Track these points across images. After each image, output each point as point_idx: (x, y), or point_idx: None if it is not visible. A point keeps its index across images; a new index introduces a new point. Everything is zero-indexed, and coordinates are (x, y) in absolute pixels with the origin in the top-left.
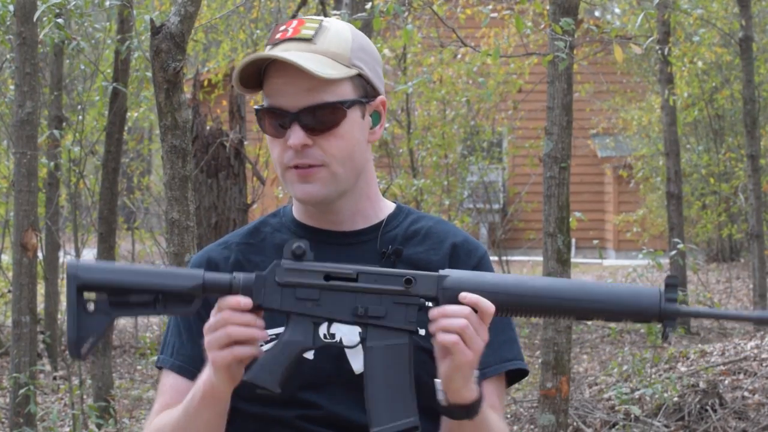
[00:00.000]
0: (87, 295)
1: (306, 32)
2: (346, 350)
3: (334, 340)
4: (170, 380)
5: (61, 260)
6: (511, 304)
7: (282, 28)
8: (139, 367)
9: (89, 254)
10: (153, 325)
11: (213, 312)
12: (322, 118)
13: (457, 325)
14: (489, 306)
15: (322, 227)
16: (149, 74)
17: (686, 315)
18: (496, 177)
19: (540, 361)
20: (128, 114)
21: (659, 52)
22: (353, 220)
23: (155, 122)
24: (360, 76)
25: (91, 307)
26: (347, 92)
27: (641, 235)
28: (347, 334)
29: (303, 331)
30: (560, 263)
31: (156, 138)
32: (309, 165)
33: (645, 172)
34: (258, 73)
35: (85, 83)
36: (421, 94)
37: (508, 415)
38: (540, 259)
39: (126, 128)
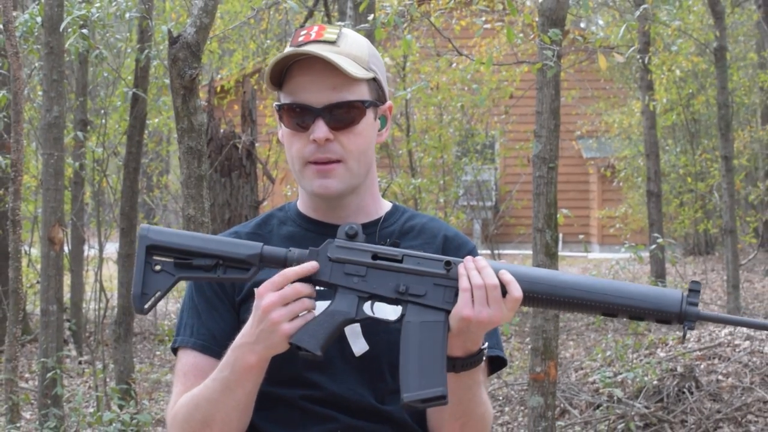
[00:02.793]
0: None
1: (329, 36)
2: (347, 334)
3: (375, 315)
4: (191, 359)
5: (85, 253)
6: (541, 294)
7: (303, 32)
8: (158, 353)
9: (112, 248)
10: (171, 314)
11: (273, 284)
12: (344, 115)
13: (476, 280)
14: (517, 290)
15: (326, 221)
16: (167, 81)
17: (705, 319)
18: (488, 176)
19: (530, 347)
20: (148, 119)
21: (640, 60)
22: (356, 216)
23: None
24: (374, 80)
25: (157, 267)
26: (365, 93)
27: (623, 231)
28: (387, 314)
29: (348, 304)
30: (548, 257)
31: (174, 140)
32: (328, 160)
33: (627, 171)
34: (280, 73)
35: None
36: (419, 100)
37: (500, 398)
38: (530, 252)
39: (146, 131)
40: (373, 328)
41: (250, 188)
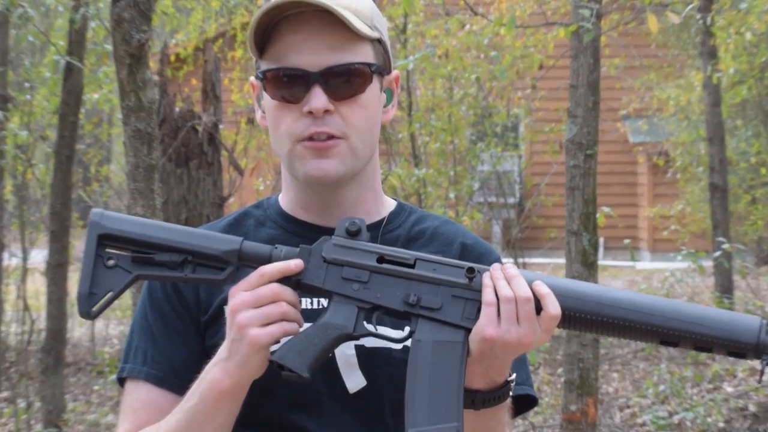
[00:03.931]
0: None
1: None
2: (340, 365)
3: (378, 332)
4: (143, 393)
5: (5, 263)
6: (585, 313)
7: None
8: (96, 387)
9: (38, 256)
10: (113, 338)
11: (247, 283)
12: (347, 81)
13: (504, 292)
14: (555, 306)
15: (316, 222)
16: (109, 47)
17: None
18: (511, 166)
19: (563, 379)
20: (85, 95)
21: (700, 21)
22: (353, 215)
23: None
24: (380, 42)
25: (110, 261)
26: (370, 56)
27: (680, 234)
28: (393, 331)
29: (345, 316)
30: (586, 266)
31: (117, 121)
32: (328, 136)
33: (684, 160)
34: (263, 34)
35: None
36: (424, 71)
37: None
38: (562, 261)
39: (82, 110)
40: (372, 358)
41: (213, 181)
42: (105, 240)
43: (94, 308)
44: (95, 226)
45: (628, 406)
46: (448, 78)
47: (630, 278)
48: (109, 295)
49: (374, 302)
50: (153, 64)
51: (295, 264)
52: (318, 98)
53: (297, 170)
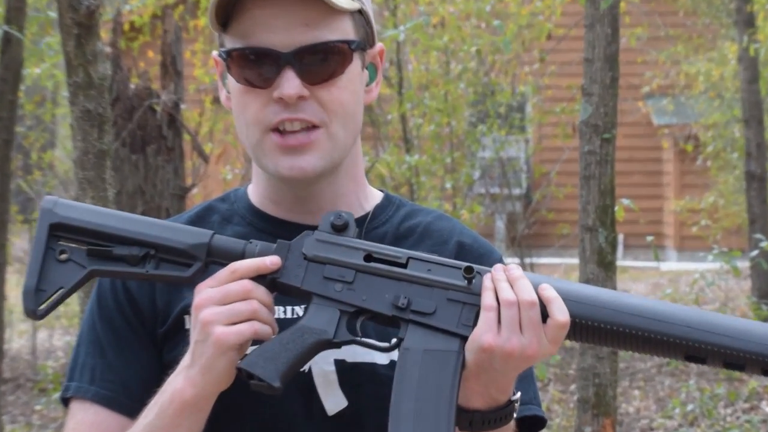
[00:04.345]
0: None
1: None
2: (318, 383)
3: (362, 338)
4: (89, 416)
5: None
6: (597, 322)
7: None
8: (38, 407)
9: None
10: (57, 351)
11: (215, 279)
12: (324, 62)
13: (506, 295)
14: (563, 312)
15: (290, 219)
16: (54, 15)
17: None
18: (516, 152)
19: (576, 398)
20: (25, 69)
21: None
22: (333, 210)
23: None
24: (360, 12)
25: (63, 255)
26: (349, 31)
27: (711, 230)
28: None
29: (325, 320)
30: (602, 267)
31: (63, 100)
32: (302, 125)
33: (716, 145)
34: (226, 7)
35: None
36: (417, 43)
37: None
38: (575, 261)
39: (22, 87)
40: (354, 375)
41: (174, 169)
42: (57, 230)
43: (42, 307)
44: (47, 215)
45: (651, 429)
46: (444, 51)
47: (654, 281)
48: (60, 292)
49: (359, 305)
50: (104, 34)
51: (271, 261)
52: (290, 83)
53: (267, 166)
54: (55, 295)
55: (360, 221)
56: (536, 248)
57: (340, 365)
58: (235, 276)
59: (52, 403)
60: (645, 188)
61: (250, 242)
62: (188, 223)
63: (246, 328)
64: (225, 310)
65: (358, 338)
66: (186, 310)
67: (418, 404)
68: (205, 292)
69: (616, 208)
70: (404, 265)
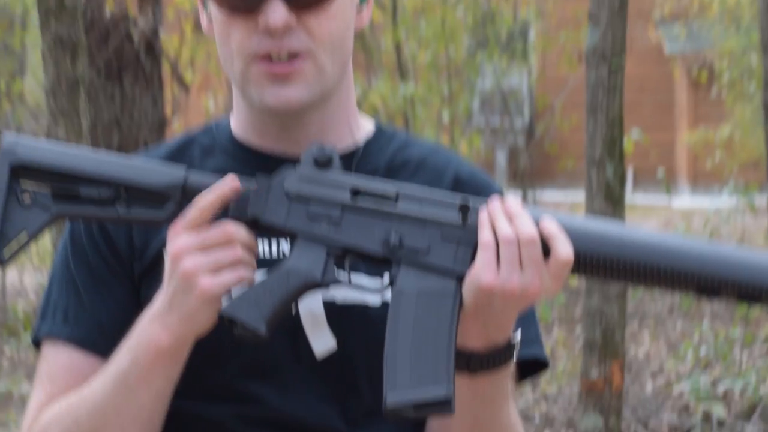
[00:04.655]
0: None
1: None
2: (305, 323)
3: (351, 282)
4: (63, 358)
5: None
6: (603, 257)
7: None
8: (7, 350)
9: None
10: (28, 291)
11: (187, 221)
12: None
13: (504, 232)
14: (566, 248)
15: (275, 151)
16: None
17: None
18: (519, 82)
19: (581, 340)
20: None
21: None
22: (321, 141)
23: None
24: None
25: (26, 197)
26: None
27: (726, 164)
28: (368, 280)
29: (311, 261)
30: (610, 202)
31: (33, 25)
32: (289, 54)
33: (732, 74)
34: None
35: None
36: None
37: (535, 418)
38: (581, 197)
39: None
40: (344, 316)
41: (152, 100)
42: (20, 171)
43: (6, 251)
44: (8, 155)
45: (662, 373)
46: None
47: (665, 218)
48: (24, 236)
49: (347, 244)
50: None
51: (229, 186)
52: (276, 11)
53: (252, 96)
54: (18, 240)
55: (351, 153)
56: (539, 184)
57: (329, 306)
58: (205, 214)
59: (22, 346)
60: (656, 120)
61: (229, 177)
62: (167, 156)
63: (231, 277)
64: (208, 260)
65: (347, 280)
66: (164, 245)
67: (416, 349)
68: (181, 238)
69: (625, 140)
70: (394, 201)
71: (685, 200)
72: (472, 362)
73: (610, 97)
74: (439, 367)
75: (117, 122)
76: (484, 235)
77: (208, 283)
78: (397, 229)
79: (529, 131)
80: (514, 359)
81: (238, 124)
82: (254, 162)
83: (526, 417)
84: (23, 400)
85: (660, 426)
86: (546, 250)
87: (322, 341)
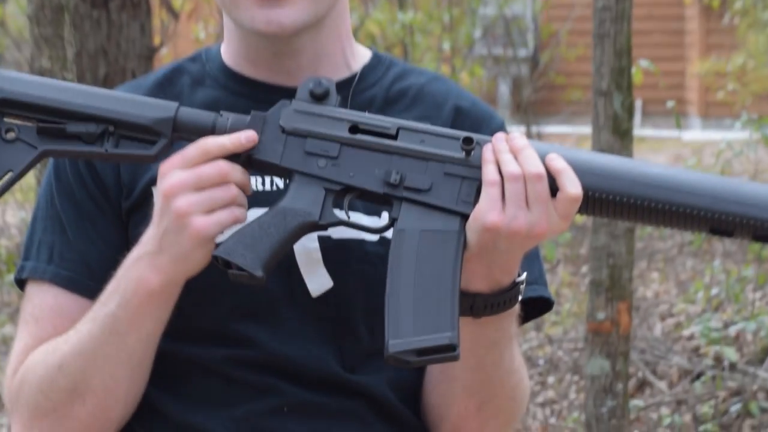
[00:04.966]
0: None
1: None
2: (300, 262)
3: (351, 220)
4: (49, 299)
5: None
6: (612, 194)
7: None
8: None
9: None
10: (11, 228)
11: (184, 159)
12: None
13: (510, 168)
14: (574, 184)
15: (267, 80)
16: None
17: None
18: (522, 9)
19: (587, 280)
20: None
21: None
22: (315, 70)
23: None
24: None
25: (10, 134)
26: None
27: (739, 95)
28: (368, 219)
29: (309, 200)
30: (618, 135)
31: None
32: None
33: (745, 0)
34: None
35: None
36: None
37: (540, 361)
38: (588, 130)
39: None
40: (340, 253)
41: (140, 27)
42: (3, 106)
43: None
44: None
45: (672, 315)
46: None
47: (675, 152)
48: (9, 175)
49: (346, 182)
50: None
51: (246, 137)
52: None
53: (242, 20)
54: (3, 179)
55: (346, 83)
56: (544, 115)
57: (325, 242)
58: (207, 157)
59: (5, 286)
60: (666, 48)
61: (221, 115)
62: (154, 86)
63: (226, 216)
64: (202, 199)
65: (347, 219)
66: (154, 181)
67: (418, 291)
68: (174, 175)
69: (634, 70)
70: (394, 137)
71: (696, 133)
72: (475, 304)
73: (618, 25)
74: (443, 310)
75: (103, 51)
76: (489, 172)
77: (202, 222)
78: (397, 166)
79: (534, 61)
80: (519, 301)
81: (229, 53)
82: (246, 92)
83: (529, 360)
84: (6, 343)
85: (669, 370)
86: (553, 187)
87: (317, 280)
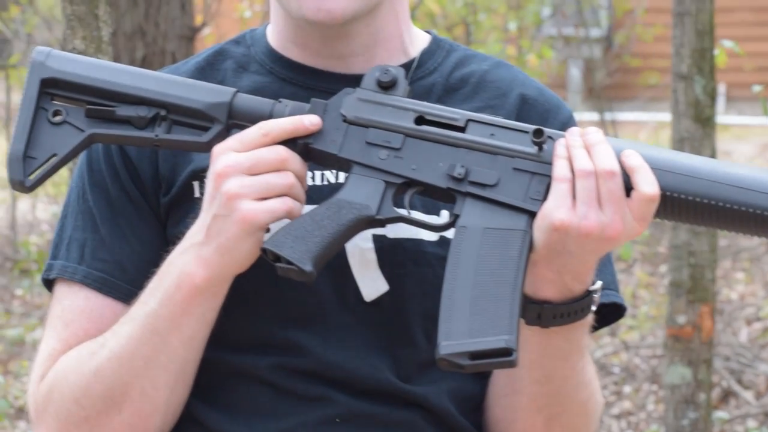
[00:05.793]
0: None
1: None
2: (353, 264)
3: (410, 215)
4: (80, 301)
5: None
6: (693, 195)
7: None
8: (18, 292)
9: None
10: (42, 224)
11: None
12: None
13: (582, 164)
14: (650, 183)
15: (318, 65)
16: None
17: None
18: None
19: (667, 281)
20: None
21: None
22: (370, 56)
23: None
24: None
25: (57, 116)
26: None
27: None
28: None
29: (367, 193)
30: (699, 123)
31: None
32: None
33: None
34: None
35: None
36: None
37: (614, 370)
38: (666, 117)
39: None
40: (397, 253)
41: (180, 5)
42: (50, 87)
43: (32, 176)
44: (38, 68)
45: (759, 319)
46: None
47: (762, 140)
48: (53, 160)
49: (408, 176)
50: None
51: (310, 120)
52: None
53: (289, 6)
54: (47, 164)
55: (404, 68)
56: (618, 101)
57: (380, 242)
58: (267, 139)
59: (35, 287)
60: (752, 28)
61: (279, 101)
62: (195, 71)
63: (279, 206)
64: (256, 182)
65: (407, 215)
66: (195, 175)
67: (476, 290)
68: (229, 156)
69: (717, 51)
70: (463, 129)
71: None
72: (543, 313)
73: (699, 2)
74: (501, 312)
75: (141, 31)
76: (560, 168)
77: (252, 208)
78: (463, 160)
79: (607, 42)
80: (592, 311)
81: (275, 36)
82: (295, 78)
83: (603, 368)
84: (36, 348)
85: (756, 378)
86: (628, 187)
87: (371, 283)
